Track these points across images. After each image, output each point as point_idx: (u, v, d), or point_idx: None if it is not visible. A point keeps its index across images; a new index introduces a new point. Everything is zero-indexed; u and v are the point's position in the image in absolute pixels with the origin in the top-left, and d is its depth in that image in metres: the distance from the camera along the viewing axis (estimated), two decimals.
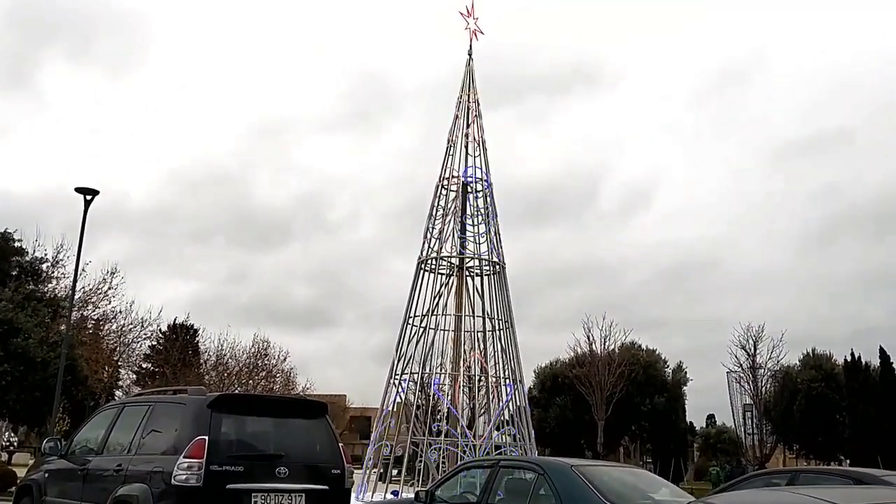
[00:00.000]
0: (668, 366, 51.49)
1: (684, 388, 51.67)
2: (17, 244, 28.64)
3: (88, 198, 21.93)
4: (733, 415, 45.75)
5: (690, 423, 57.16)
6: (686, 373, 52.00)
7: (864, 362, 40.71)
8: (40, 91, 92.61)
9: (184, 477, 7.56)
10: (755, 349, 43.25)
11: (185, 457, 7.62)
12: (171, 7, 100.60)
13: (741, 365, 43.73)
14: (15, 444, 46.38)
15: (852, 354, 41.12)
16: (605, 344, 44.82)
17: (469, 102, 24.88)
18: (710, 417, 64.49)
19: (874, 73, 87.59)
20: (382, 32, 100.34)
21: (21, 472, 18.68)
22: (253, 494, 7.85)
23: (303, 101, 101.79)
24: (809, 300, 78.89)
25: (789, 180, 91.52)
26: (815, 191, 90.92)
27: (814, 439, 43.29)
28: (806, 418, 42.30)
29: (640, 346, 50.13)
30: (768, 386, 44.45)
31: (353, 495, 9.32)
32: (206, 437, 7.73)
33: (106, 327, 39.46)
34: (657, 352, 51.44)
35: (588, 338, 45.02)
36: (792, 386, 43.72)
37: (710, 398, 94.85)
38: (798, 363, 45.83)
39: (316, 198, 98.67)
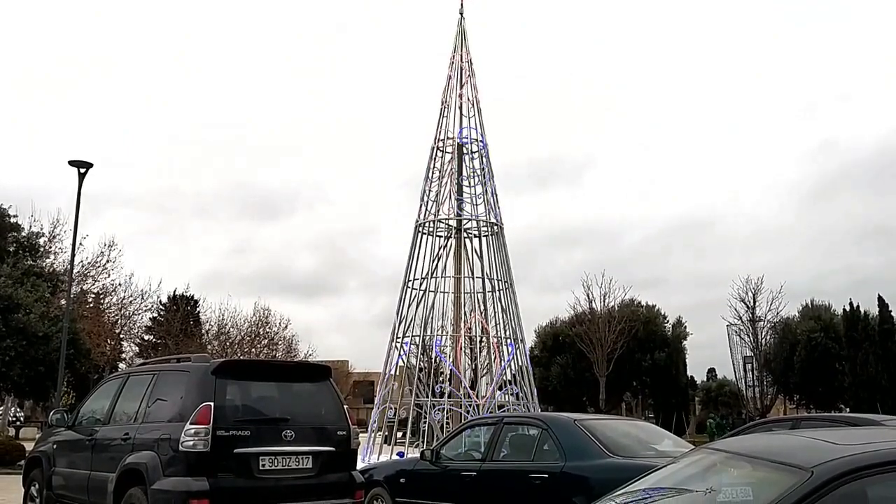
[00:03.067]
0: (667, 321, 51.76)
1: (684, 342, 51.97)
2: (12, 220, 28.57)
3: (82, 171, 21.89)
4: (734, 367, 46.14)
5: (691, 377, 57.56)
6: (686, 327, 52.29)
7: (862, 312, 40.93)
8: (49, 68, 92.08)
9: (191, 443, 7.63)
10: (755, 302, 43.52)
11: (191, 423, 7.68)
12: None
13: (741, 318, 44.03)
14: (21, 418, 46.75)
15: (851, 304, 41.35)
16: (604, 301, 45.09)
17: (462, 62, 24.68)
18: (711, 371, 64.91)
19: (868, 33, 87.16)
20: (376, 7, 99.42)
21: (29, 446, 18.84)
22: (260, 458, 7.93)
23: (305, 74, 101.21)
24: (807, 254, 79.30)
25: (787, 138, 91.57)
26: (811, 148, 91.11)
27: (814, 389, 43.70)
28: (806, 369, 42.65)
29: (639, 302, 50.37)
30: (768, 338, 44.75)
31: (358, 457, 9.42)
32: (212, 403, 7.78)
33: (106, 300, 39.59)
34: (657, 308, 51.69)
35: (588, 296, 45.28)
36: (791, 337, 44.01)
37: (710, 352, 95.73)
38: (797, 314, 46.13)
39: (319, 168, 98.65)
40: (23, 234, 28.66)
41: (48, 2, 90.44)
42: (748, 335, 44.18)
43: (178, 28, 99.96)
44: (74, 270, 25.73)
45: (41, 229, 30.01)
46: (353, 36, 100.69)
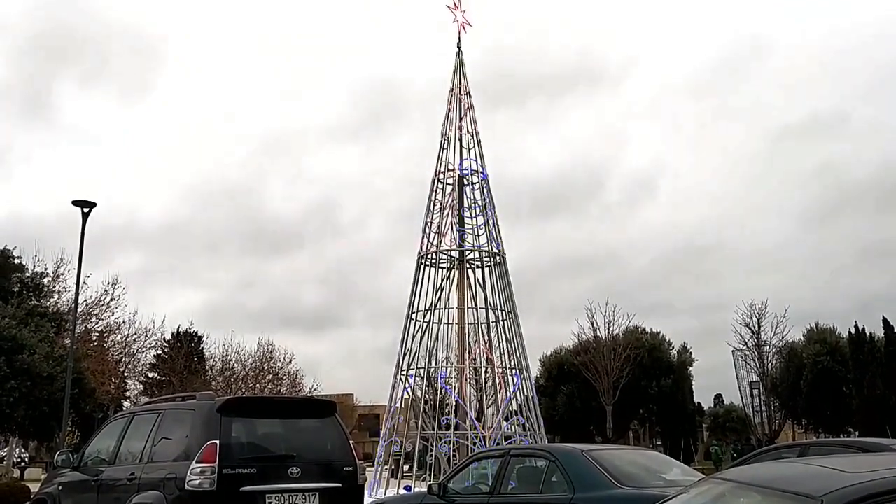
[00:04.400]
0: (672, 347, 51.58)
1: (690, 369, 51.74)
2: (16, 261, 28.66)
3: (86, 210, 21.98)
4: (740, 393, 45.91)
5: (698, 403, 57.23)
6: (691, 353, 52.10)
7: (868, 334, 40.75)
8: (55, 115, 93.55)
9: (197, 482, 7.59)
10: (759, 326, 43.43)
11: (197, 462, 7.65)
12: (178, 25, 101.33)
13: (746, 343, 43.90)
14: (26, 459, 46.49)
15: (856, 326, 41.20)
16: (609, 329, 44.96)
17: (461, 95, 24.86)
18: (718, 397, 64.57)
19: (864, 53, 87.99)
20: (385, 39, 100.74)
21: (34, 487, 18.73)
22: (267, 495, 7.89)
23: (311, 111, 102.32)
24: (811, 276, 79.19)
25: (787, 162, 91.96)
26: (812, 170, 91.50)
27: (822, 413, 43.38)
28: (813, 393, 42.38)
29: (643, 329, 50.22)
30: (774, 362, 44.57)
31: (365, 492, 9.35)
32: (218, 441, 7.75)
33: (110, 339, 39.56)
34: (661, 334, 51.52)
35: (592, 324, 45.18)
36: (798, 361, 43.81)
37: (717, 378, 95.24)
38: (802, 338, 45.95)
39: (326, 203, 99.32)
40: (27, 274, 28.74)
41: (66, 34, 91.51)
42: (754, 360, 44.04)
43: (189, 74, 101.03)
44: (78, 309, 25.73)
45: (45, 269, 30.12)
46: (354, 68, 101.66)
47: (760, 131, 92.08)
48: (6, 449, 44.34)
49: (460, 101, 24.83)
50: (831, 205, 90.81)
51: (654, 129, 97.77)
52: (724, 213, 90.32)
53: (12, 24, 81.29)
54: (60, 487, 10.16)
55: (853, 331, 41.45)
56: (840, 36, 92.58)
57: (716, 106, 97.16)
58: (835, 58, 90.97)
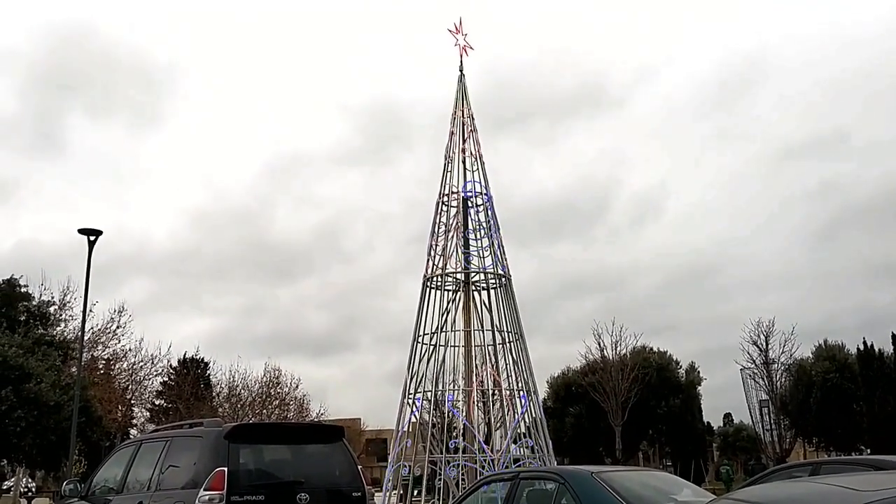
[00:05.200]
0: (680, 367, 51.36)
1: (699, 388, 51.49)
2: (23, 289, 28.75)
3: (92, 238, 22.10)
4: (750, 412, 45.59)
5: (708, 423, 56.91)
6: (699, 372, 51.87)
7: (877, 350, 40.53)
8: (64, 146, 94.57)
9: None
10: (767, 344, 43.22)
11: (205, 489, 7.62)
12: (184, 54, 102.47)
13: (754, 361, 43.65)
14: (33, 489, 46.30)
15: (864, 343, 40.99)
16: (616, 349, 44.80)
17: (464, 118, 24.95)
18: (728, 416, 64.19)
19: (862, 72, 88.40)
20: (389, 64, 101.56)
21: None
22: None
23: (316, 136, 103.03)
24: (817, 294, 78.87)
25: (790, 181, 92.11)
26: (815, 189, 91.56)
27: (833, 431, 43.06)
28: (823, 410, 42.08)
29: (651, 349, 50.04)
30: (783, 380, 44.30)
31: None
32: (226, 468, 7.73)
33: (117, 366, 39.56)
34: (669, 354, 51.32)
35: (599, 344, 45.02)
36: (806, 379, 43.54)
37: (725, 397, 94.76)
38: (811, 355, 45.68)
39: (332, 228, 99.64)
40: (34, 302, 28.81)
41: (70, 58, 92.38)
42: (763, 378, 43.78)
43: (194, 102, 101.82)
44: (85, 337, 25.76)
45: (52, 297, 30.18)
46: (359, 93, 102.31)
47: (763, 151, 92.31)
48: (13, 479, 44.23)
49: (463, 124, 24.92)
50: (835, 223, 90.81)
51: (658, 151, 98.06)
52: (729, 233, 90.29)
53: (21, 58, 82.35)
54: None
55: (862, 347, 41.24)
56: (838, 55, 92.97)
57: (718, 127, 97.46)
58: (833, 77, 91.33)
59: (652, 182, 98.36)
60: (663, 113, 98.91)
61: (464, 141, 24.74)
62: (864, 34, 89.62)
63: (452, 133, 24.96)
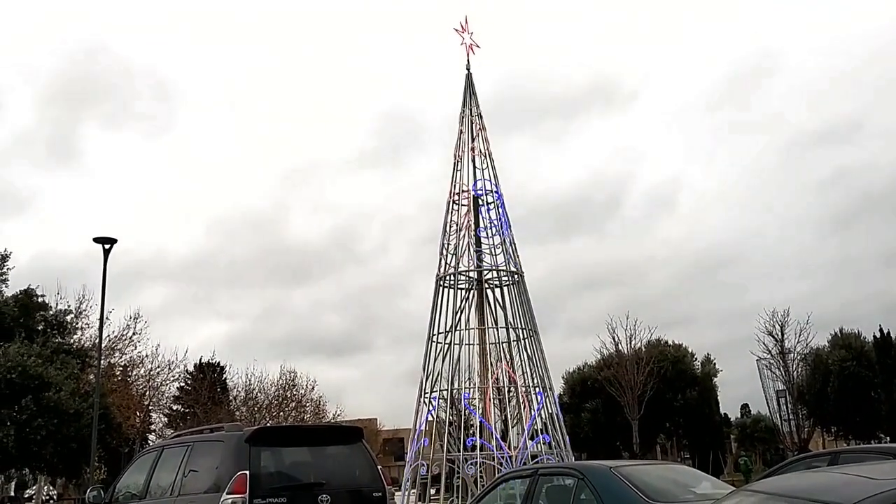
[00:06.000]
0: (696, 359, 51.22)
1: (715, 380, 51.36)
2: (40, 299, 28.97)
3: (107, 247, 22.27)
4: (767, 402, 45.42)
5: (725, 414, 56.73)
6: (715, 364, 51.73)
7: (893, 337, 40.31)
8: (80, 157, 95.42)
9: None
10: (782, 334, 43.02)
11: (228, 493, 7.70)
12: (197, 63, 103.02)
13: (770, 352, 43.49)
14: (54, 496, 46.66)
15: (881, 330, 40.77)
16: (631, 343, 44.71)
17: (472, 116, 25.01)
18: (745, 407, 63.90)
19: (874, 61, 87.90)
20: (399, 66, 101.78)
21: None
22: None
23: (329, 140, 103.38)
24: (832, 284, 78.55)
25: (803, 171, 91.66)
26: (828, 179, 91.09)
27: (851, 419, 42.86)
28: (841, 399, 41.88)
29: (666, 342, 49.93)
30: (800, 370, 44.10)
31: None
32: (248, 472, 7.81)
33: (134, 373, 39.80)
34: (684, 346, 51.19)
35: (614, 339, 44.95)
36: (823, 368, 43.34)
37: (742, 388, 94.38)
38: (827, 344, 45.46)
39: (347, 231, 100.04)
40: (51, 312, 29.03)
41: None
42: (779, 368, 43.59)
43: (210, 111, 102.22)
44: (102, 345, 25.95)
45: (68, 306, 30.39)
46: (370, 96, 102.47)
47: (775, 142, 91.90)
48: (35, 486, 44.60)
49: (472, 123, 24.98)
50: (849, 212, 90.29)
51: (670, 144, 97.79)
52: (742, 224, 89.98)
53: (37, 73, 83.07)
54: None
55: (878, 335, 41.03)
56: (850, 45, 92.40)
57: (730, 118, 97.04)
58: (845, 67, 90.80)
59: (665, 175, 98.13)
60: (675, 106, 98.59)
61: (472, 139, 24.79)
62: (876, 22, 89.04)
63: (461, 132, 25.02)
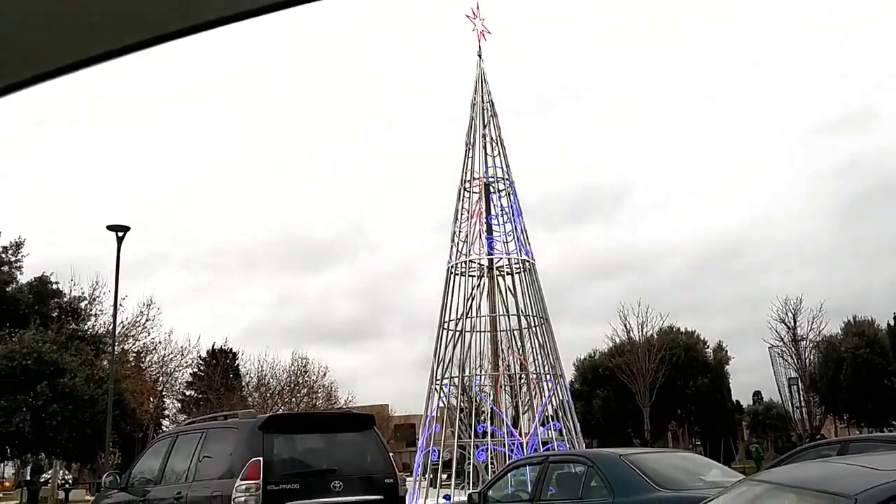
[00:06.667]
0: (708, 347, 51.17)
1: (727, 367, 51.31)
2: (54, 286, 29.21)
3: (120, 235, 22.42)
4: (779, 390, 45.40)
5: (737, 401, 56.63)
6: (727, 351, 51.64)
7: None
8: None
9: (242, 499, 7.75)
10: (795, 322, 42.94)
11: (241, 479, 7.81)
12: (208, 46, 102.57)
13: (782, 339, 43.43)
14: (70, 481, 47.17)
15: (895, 318, 40.58)
16: (642, 330, 44.70)
17: (483, 103, 24.99)
18: (757, 394, 63.80)
19: (888, 47, 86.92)
20: (410, 50, 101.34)
21: None
22: None
23: (339, 125, 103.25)
24: (845, 271, 77.94)
25: (816, 158, 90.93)
26: (843, 165, 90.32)
27: (863, 407, 42.76)
28: (853, 386, 41.78)
29: (678, 329, 49.88)
30: (812, 357, 44.03)
31: (406, 502, 9.47)
32: (261, 458, 7.92)
33: (147, 359, 40.15)
34: (696, 333, 51.13)
35: (625, 326, 44.96)
36: (836, 355, 43.23)
37: (754, 375, 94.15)
38: (840, 332, 45.33)
39: (358, 218, 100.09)
40: (65, 299, 29.27)
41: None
42: (791, 356, 43.53)
43: (221, 97, 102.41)
44: (116, 332, 26.17)
45: (82, 293, 30.64)
46: (382, 82, 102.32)
47: (786, 128, 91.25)
48: (51, 471, 45.10)
49: (483, 110, 24.96)
50: (863, 198, 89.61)
51: (681, 131, 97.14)
52: (755, 211, 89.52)
53: None
54: None
55: (892, 322, 40.87)
56: (861, 30, 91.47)
57: (740, 104, 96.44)
58: (858, 51, 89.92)
59: (676, 162, 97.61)
60: (681, 94, 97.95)
61: (484, 126, 24.78)
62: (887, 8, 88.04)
63: (472, 119, 25.01)
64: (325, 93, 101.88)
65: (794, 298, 43.22)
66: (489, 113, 24.96)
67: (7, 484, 54.99)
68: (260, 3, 1.23)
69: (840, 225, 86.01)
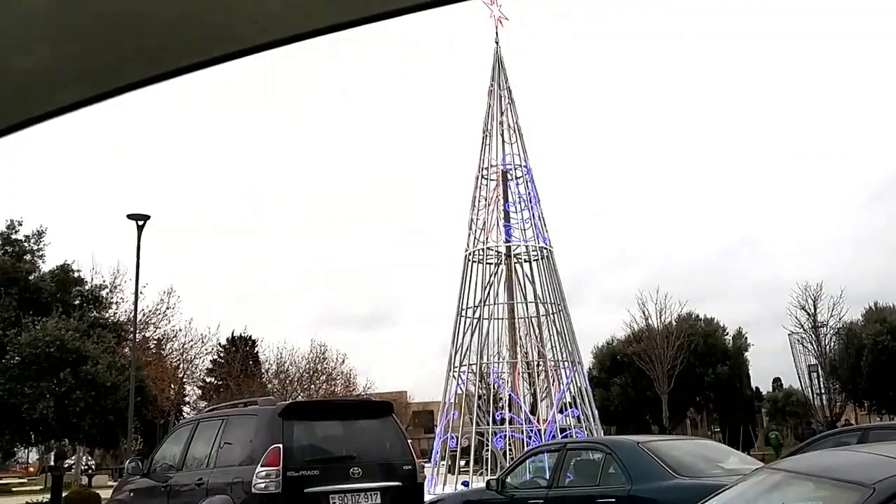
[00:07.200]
0: (727, 333, 50.96)
1: (746, 354, 51.09)
2: (76, 274, 29.45)
3: (140, 223, 22.61)
4: (799, 377, 45.12)
5: (756, 388, 56.39)
6: (746, 338, 51.37)
7: None
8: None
9: (263, 485, 7.84)
10: (815, 308, 42.62)
11: (262, 465, 7.89)
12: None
13: (802, 326, 43.13)
14: (93, 466, 47.81)
15: None
16: (661, 317, 44.58)
17: (500, 90, 24.92)
18: (777, 381, 63.47)
19: None
20: (429, 38, 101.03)
21: (104, 494, 19.39)
22: (331, 496, 8.11)
23: (360, 109, 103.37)
24: (867, 258, 77.22)
25: (842, 143, 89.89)
26: (866, 150, 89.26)
27: (885, 394, 42.44)
28: (875, 373, 41.42)
29: (697, 316, 49.71)
30: (832, 344, 43.72)
31: (424, 489, 9.53)
32: (281, 445, 7.99)
33: (168, 346, 40.52)
34: (715, 320, 50.93)
35: (643, 313, 44.84)
36: (857, 342, 42.87)
37: (775, 362, 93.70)
38: (861, 318, 44.95)
39: (381, 199, 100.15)
40: (86, 287, 29.51)
41: None
42: (811, 343, 43.25)
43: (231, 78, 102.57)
44: (137, 319, 26.42)
45: (103, 281, 30.91)
46: (402, 68, 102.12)
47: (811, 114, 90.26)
48: (74, 457, 45.70)
49: (500, 97, 24.89)
50: (885, 183, 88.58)
51: (701, 115, 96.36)
52: (775, 197, 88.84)
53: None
54: (132, 494, 10.53)
55: None
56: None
57: (763, 88, 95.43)
58: (876, 30, 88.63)
59: (696, 144, 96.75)
60: (704, 77, 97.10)
61: (501, 113, 24.72)
62: None
63: (490, 105, 24.95)
64: (334, 72, 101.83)
65: (814, 285, 42.91)
66: (506, 100, 24.89)
67: (31, 469, 55.80)
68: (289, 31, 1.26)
69: (862, 210, 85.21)
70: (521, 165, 24.30)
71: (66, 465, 40.12)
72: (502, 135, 24.46)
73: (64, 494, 23.38)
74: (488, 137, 24.55)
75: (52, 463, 39.23)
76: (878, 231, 76.76)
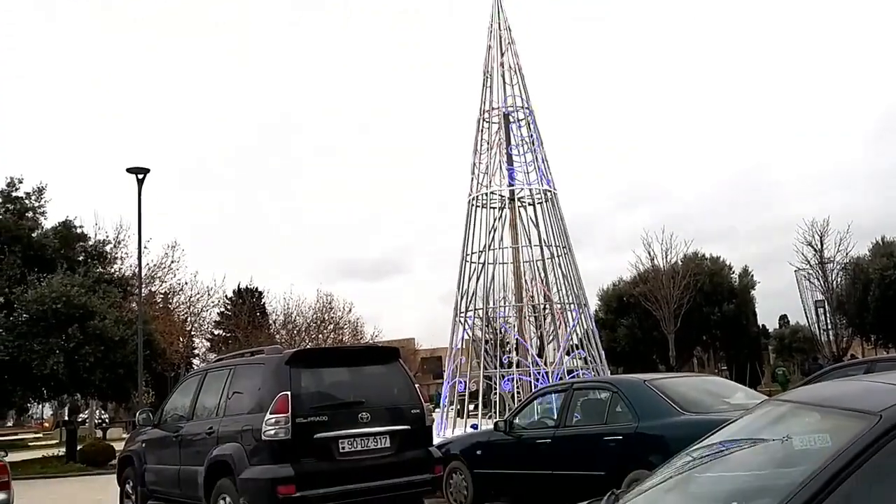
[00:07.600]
0: (734, 272, 50.99)
1: (753, 292, 51.19)
2: (79, 230, 29.48)
3: (140, 177, 22.48)
4: (805, 313, 45.19)
5: (763, 326, 56.69)
6: (752, 276, 51.44)
7: None
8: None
9: (273, 432, 7.89)
10: (822, 244, 42.49)
11: (271, 413, 7.94)
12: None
13: (809, 262, 43.06)
14: (106, 419, 48.51)
15: None
16: (666, 258, 44.53)
17: (500, 31, 24.48)
18: (783, 318, 63.71)
19: None
20: None
21: (117, 446, 19.65)
22: (340, 441, 8.16)
23: (365, 69, 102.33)
24: (874, 193, 76.94)
25: (846, 76, 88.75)
26: (869, 82, 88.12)
27: (891, 328, 42.57)
28: (882, 307, 41.50)
29: (703, 255, 49.68)
30: (839, 280, 43.69)
31: (434, 433, 9.61)
32: (289, 392, 8.02)
33: (175, 300, 40.73)
34: (721, 259, 50.93)
35: (649, 253, 44.80)
36: (864, 277, 42.87)
37: (781, 300, 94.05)
38: (868, 253, 44.86)
39: (387, 154, 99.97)
40: (90, 243, 29.56)
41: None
42: (818, 279, 43.21)
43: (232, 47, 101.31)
44: (142, 274, 26.47)
45: (107, 236, 30.93)
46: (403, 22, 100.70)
47: (817, 51, 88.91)
48: (87, 411, 46.35)
49: (500, 37, 24.47)
50: (891, 119, 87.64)
51: (708, 55, 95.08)
52: (780, 134, 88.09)
53: None
54: (144, 444, 10.65)
55: None
56: None
57: (772, 28, 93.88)
58: None
59: (701, 84, 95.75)
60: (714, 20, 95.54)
61: (501, 54, 24.32)
62: None
63: (489, 47, 24.53)
64: (337, 29, 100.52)
65: (821, 221, 42.69)
66: (507, 41, 24.47)
67: (47, 424, 56.68)
68: None
69: (869, 145, 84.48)
70: (523, 107, 24.00)
71: (79, 420, 40.68)
72: (503, 76, 24.10)
73: (79, 448, 23.72)
74: (489, 79, 24.20)
75: (66, 417, 39.78)
76: (885, 166, 76.29)
